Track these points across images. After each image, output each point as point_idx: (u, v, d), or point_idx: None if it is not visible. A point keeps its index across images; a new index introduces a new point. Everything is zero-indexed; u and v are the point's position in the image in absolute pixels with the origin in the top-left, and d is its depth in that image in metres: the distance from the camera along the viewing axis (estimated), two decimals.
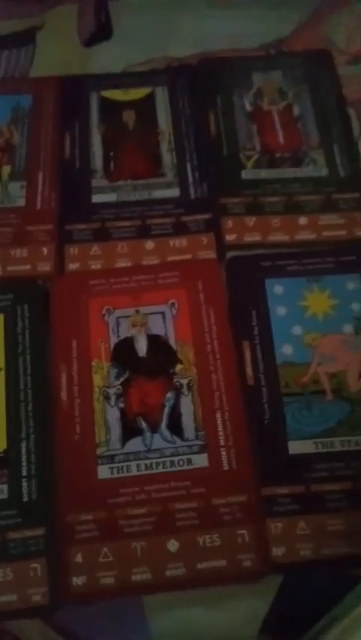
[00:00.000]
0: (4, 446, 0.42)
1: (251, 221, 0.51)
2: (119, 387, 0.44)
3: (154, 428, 0.42)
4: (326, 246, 0.50)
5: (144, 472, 0.41)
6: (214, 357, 0.45)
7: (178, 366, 0.44)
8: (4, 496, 0.40)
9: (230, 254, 0.50)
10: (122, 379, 0.44)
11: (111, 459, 0.41)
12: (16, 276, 0.48)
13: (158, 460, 0.41)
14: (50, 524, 0.39)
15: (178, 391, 0.44)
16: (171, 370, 0.44)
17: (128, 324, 0.46)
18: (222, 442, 0.42)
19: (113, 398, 0.43)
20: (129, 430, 0.42)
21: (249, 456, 0.42)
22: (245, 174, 0.53)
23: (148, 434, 0.42)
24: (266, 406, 0.43)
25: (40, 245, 0.50)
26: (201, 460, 0.41)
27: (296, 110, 0.58)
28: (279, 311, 0.47)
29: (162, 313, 0.46)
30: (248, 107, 0.58)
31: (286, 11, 0.64)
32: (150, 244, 0.50)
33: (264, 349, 0.45)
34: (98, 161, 0.54)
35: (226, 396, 0.43)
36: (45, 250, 0.49)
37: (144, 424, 0.43)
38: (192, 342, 0.45)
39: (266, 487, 0.41)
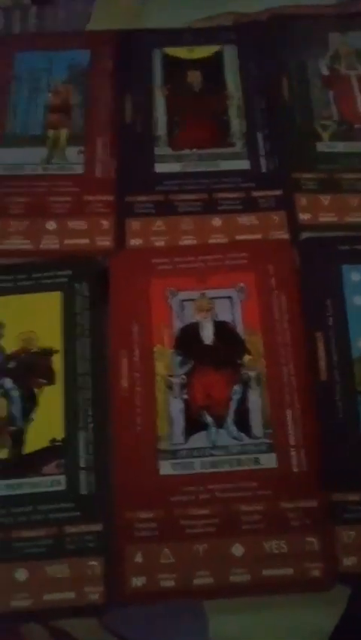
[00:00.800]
0: (62, 435, 0.37)
1: (327, 199, 0.44)
2: (183, 376, 0.39)
3: (220, 423, 0.38)
4: None
5: (208, 470, 0.37)
6: (285, 348, 0.39)
7: (246, 357, 0.39)
8: (62, 487, 0.36)
9: (304, 235, 0.44)
10: (186, 368, 0.39)
11: (174, 454, 0.37)
12: (74, 250, 0.43)
13: (223, 457, 0.37)
14: (108, 520, 0.36)
15: (246, 385, 0.39)
16: (239, 361, 0.39)
17: (193, 309, 0.41)
18: (291, 442, 0.37)
19: (176, 388, 0.39)
20: (193, 424, 0.38)
21: (320, 458, 0.37)
22: (320, 147, 0.46)
23: (213, 429, 0.38)
24: (340, 403, 0.38)
25: (99, 217, 0.44)
26: (269, 460, 0.37)
27: None
28: (356, 300, 0.41)
29: (230, 298, 0.41)
30: (324, 71, 0.50)
31: None
32: (217, 221, 0.44)
33: (339, 342, 0.40)
34: (161, 127, 0.48)
35: (296, 392, 0.38)
36: (105, 223, 0.44)
37: (209, 419, 0.38)
38: (261, 332, 0.40)
39: (337, 492, 0.36)
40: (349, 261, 0.42)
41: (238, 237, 0.43)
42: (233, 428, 0.38)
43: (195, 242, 0.43)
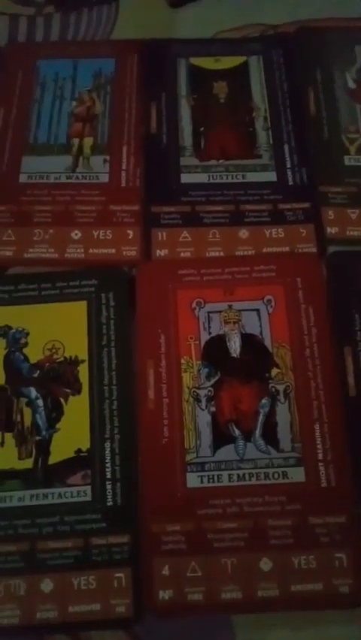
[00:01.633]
0: (88, 445, 0.39)
1: (355, 213, 0.46)
2: (211, 389, 0.41)
3: (247, 436, 0.40)
4: None
5: (236, 483, 0.38)
6: (313, 362, 0.41)
7: (274, 371, 0.41)
8: (88, 498, 0.38)
9: (331, 248, 0.46)
10: (213, 381, 0.41)
11: (201, 466, 0.39)
12: (99, 259, 0.45)
13: (251, 471, 0.39)
14: (135, 532, 0.37)
15: (274, 398, 0.41)
16: (267, 374, 0.41)
17: (220, 320, 0.43)
18: (320, 457, 0.39)
19: (203, 400, 0.41)
20: (221, 437, 0.40)
21: (349, 473, 0.39)
22: (348, 160, 0.49)
23: (241, 442, 0.39)
24: None
25: (125, 227, 0.46)
26: (297, 475, 0.39)
27: None
28: None
29: (257, 310, 0.43)
30: (351, 84, 0.53)
31: None
32: (244, 232, 0.46)
33: None
34: (187, 137, 0.50)
35: (325, 407, 0.40)
36: (130, 233, 0.46)
37: (237, 432, 0.40)
38: (289, 345, 0.42)
39: None
40: None
41: (265, 250, 0.46)
42: (261, 442, 0.40)
43: (221, 253, 0.45)
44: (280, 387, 0.41)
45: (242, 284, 0.44)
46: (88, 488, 0.38)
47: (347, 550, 0.37)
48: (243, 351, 0.42)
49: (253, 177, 0.48)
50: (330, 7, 0.57)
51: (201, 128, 0.51)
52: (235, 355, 0.42)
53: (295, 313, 0.43)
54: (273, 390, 0.41)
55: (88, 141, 0.51)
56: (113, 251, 0.46)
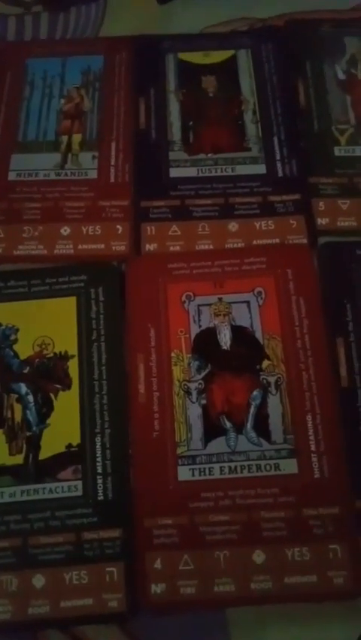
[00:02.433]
0: (78, 440, 0.40)
1: (345, 204, 0.48)
2: (201, 381, 0.42)
3: (239, 429, 0.40)
4: None
5: (227, 476, 0.39)
6: (305, 353, 0.42)
7: (265, 362, 0.42)
8: (79, 493, 0.39)
9: (322, 240, 0.47)
10: (204, 373, 0.42)
11: (192, 459, 0.40)
12: (88, 255, 0.46)
13: (243, 463, 0.39)
14: (126, 526, 0.38)
15: (265, 390, 0.41)
16: (258, 366, 0.42)
17: (210, 313, 0.44)
18: (313, 448, 0.40)
19: (194, 393, 0.41)
20: (212, 429, 0.40)
21: (342, 464, 0.39)
22: (338, 151, 0.50)
23: (233, 435, 0.40)
24: None
25: (114, 222, 0.47)
26: (290, 466, 0.39)
27: None
28: None
29: (248, 302, 0.44)
30: (341, 76, 0.54)
31: None
32: (233, 225, 0.47)
33: (360, 347, 0.43)
34: (176, 132, 0.51)
35: (317, 398, 0.41)
36: (120, 228, 0.47)
37: (228, 424, 0.41)
38: (280, 336, 0.43)
39: None
40: None
41: (255, 242, 0.46)
42: (252, 434, 0.40)
43: (211, 247, 0.46)
44: (272, 379, 0.42)
45: (232, 276, 0.45)
46: (79, 483, 0.39)
47: (341, 541, 0.38)
48: (233, 343, 0.43)
49: (242, 170, 0.49)
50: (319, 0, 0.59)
51: (190, 123, 0.52)
52: (225, 348, 0.43)
53: (286, 305, 0.44)
54: (264, 381, 0.42)
55: (77, 138, 0.52)
56: (103, 246, 0.47)
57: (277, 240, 0.46)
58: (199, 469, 0.40)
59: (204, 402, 0.41)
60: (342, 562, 0.37)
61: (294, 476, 0.39)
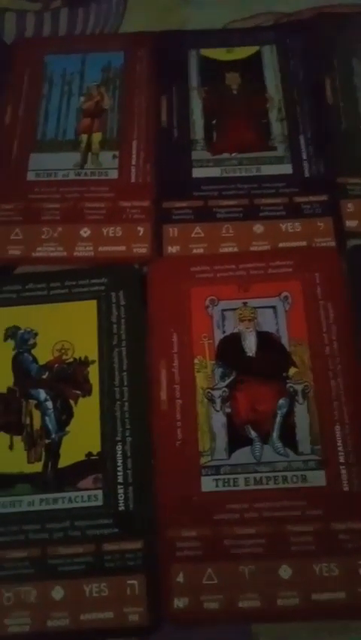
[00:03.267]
0: (98, 448, 0.40)
1: None
2: (225, 389, 0.41)
3: (265, 438, 0.40)
4: None
5: (253, 487, 0.39)
6: (333, 360, 0.42)
7: (292, 370, 0.42)
8: (99, 502, 0.39)
9: (351, 242, 0.46)
10: (228, 381, 0.42)
11: (217, 470, 0.39)
12: (109, 257, 0.46)
13: (269, 474, 0.39)
14: (148, 538, 0.38)
15: (292, 398, 0.41)
16: (284, 374, 0.42)
17: (235, 319, 0.43)
18: (341, 459, 0.39)
19: (218, 401, 0.41)
20: (237, 439, 0.40)
21: None
22: None
23: (258, 445, 0.40)
24: None
25: (135, 224, 0.47)
26: (317, 478, 0.39)
27: None
28: None
29: (274, 307, 0.44)
30: None
31: None
32: (258, 227, 0.47)
33: None
34: (198, 131, 0.51)
35: (346, 407, 0.40)
36: (141, 230, 0.47)
37: (253, 433, 0.40)
38: (307, 343, 0.42)
39: None
40: None
41: (281, 245, 0.46)
42: (279, 444, 0.40)
43: (235, 249, 0.46)
44: (299, 387, 0.41)
45: (257, 280, 0.45)
46: (99, 492, 0.39)
47: None
48: (259, 349, 0.43)
49: (267, 170, 0.49)
50: None
51: (213, 121, 0.52)
52: (250, 354, 0.43)
53: (313, 310, 0.43)
54: (291, 390, 0.41)
55: (97, 137, 0.52)
56: (124, 248, 0.47)
57: (304, 243, 0.46)
58: (223, 479, 0.39)
59: (228, 410, 0.41)
60: None
61: (322, 489, 0.39)
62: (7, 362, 0.43)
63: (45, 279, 0.46)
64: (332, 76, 0.53)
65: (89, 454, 0.40)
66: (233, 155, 0.50)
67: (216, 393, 0.41)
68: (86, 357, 0.43)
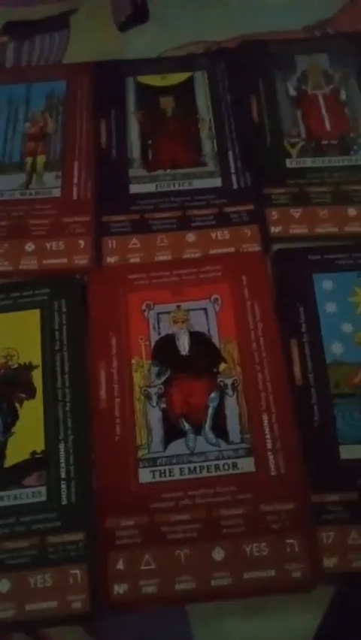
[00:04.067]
0: (42, 447, 0.41)
1: (297, 212, 0.49)
2: (161, 386, 0.43)
3: (198, 430, 0.41)
4: None
5: (187, 477, 0.40)
6: (260, 355, 0.43)
7: (222, 365, 0.43)
8: (43, 498, 0.39)
9: (276, 247, 0.48)
10: (163, 378, 0.43)
11: (153, 462, 0.40)
12: (52, 269, 0.47)
13: (202, 463, 0.40)
14: (89, 529, 0.39)
15: (222, 392, 0.42)
16: (215, 369, 0.43)
17: (169, 321, 0.45)
18: (269, 446, 0.41)
19: (154, 398, 0.42)
20: (172, 432, 0.41)
21: (298, 461, 0.40)
22: (290, 163, 0.52)
23: (192, 436, 0.41)
24: (315, 407, 0.42)
25: (76, 237, 0.49)
26: (247, 465, 0.40)
27: (343, 95, 0.56)
28: (328, 307, 0.45)
29: (205, 309, 0.45)
30: (292, 92, 0.56)
31: None
32: (191, 236, 0.48)
33: (312, 348, 0.44)
34: (135, 150, 0.53)
35: (273, 397, 0.42)
36: (82, 243, 0.48)
37: (187, 426, 0.41)
38: (236, 340, 0.44)
39: (316, 494, 0.39)
40: (320, 270, 0.46)
41: (212, 252, 0.48)
42: (211, 434, 0.41)
43: (169, 257, 0.48)
44: (228, 381, 0.43)
45: (190, 285, 0.46)
46: (43, 489, 0.40)
47: (298, 535, 0.38)
48: (191, 348, 0.44)
49: (199, 184, 0.51)
50: (271, 21, 0.60)
51: (149, 141, 0.54)
52: (184, 353, 0.44)
53: (241, 310, 0.45)
54: (221, 384, 0.42)
55: (41, 159, 0.53)
56: (66, 260, 0.48)
57: (233, 249, 0.48)
58: (160, 470, 0.40)
59: (164, 406, 0.42)
60: (299, 555, 0.38)
61: (251, 474, 0.40)
62: None
63: None
64: (257, 96, 0.55)
65: (34, 453, 0.41)
66: (167, 171, 0.52)
67: (153, 391, 0.43)
68: (30, 363, 0.44)
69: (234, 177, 0.51)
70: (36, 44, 0.61)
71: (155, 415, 0.42)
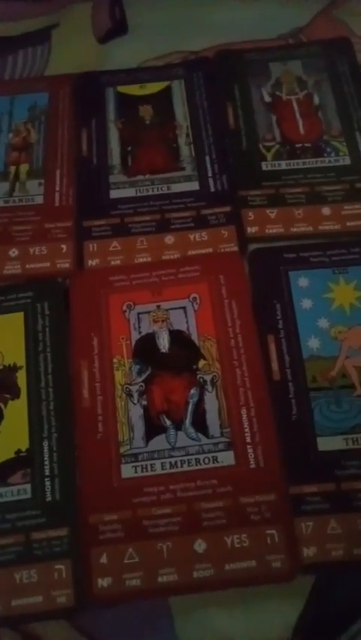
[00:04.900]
0: (27, 445, 0.40)
1: (273, 213, 0.49)
2: (142, 384, 0.42)
3: (178, 425, 0.41)
4: (351, 237, 0.48)
5: (168, 471, 0.40)
6: (238, 352, 0.43)
7: (201, 362, 0.43)
8: (28, 495, 0.39)
9: (252, 246, 0.48)
10: (144, 376, 0.43)
11: (135, 457, 0.40)
12: (35, 273, 0.47)
13: (183, 458, 0.40)
14: (73, 524, 0.38)
15: (202, 388, 0.42)
16: (194, 366, 0.43)
17: (149, 320, 0.45)
18: (248, 440, 0.40)
19: (135, 395, 0.42)
20: (153, 428, 0.41)
21: (276, 453, 0.40)
22: (265, 166, 0.52)
23: (172, 432, 0.41)
24: (293, 401, 0.42)
25: (59, 242, 0.49)
26: (227, 458, 0.40)
27: (316, 100, 0.56)
28: (304, 304, 0.45)
29: (184, 308, 0.45)
30: (267, 98, 0.56)
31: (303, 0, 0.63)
32: (170, 238, 0.48)
33: (289, 343, 0.44)
34: (115, 157, 0.53)
35: (251, 392, 0.42)
36: (64, 247, 0.48)
37: (167, 422, 0.41)
38: (215, 337, 0.44)
39: (295, 485, 0.39)
40: (295, 268, 0.46)
41: (190, 252, 0.48)
42: (191, 430, 0.41)
43: (149, 259, 0.48)
44: (208, 377, 0.42)
45: (169, 285, 0.46)
46: (28, 486, 0.39)
47: (277, 526, 0.38)
48: (171, 346, 0.44)
49: (177, 188, 0.51)
50: (246, 31, 0.61)
51: (129, 148, 0.53)
52: (164, 351, 0.44)
53: (219, 308, 0.45)
54: (201, 380, 0.42)
55: (24, 167, 0.53)
56: (48, 264, 0.48)
57: (210, 250, 0.48)
58: (141, 465, 0.40)
59: (145, 403, 0.42)
60: (279, 546, 0.38)
61: (231, 467, 0.40)
62: None
63: None
64: (233, 103, 0.55)
65: (19, 451, 0.40)
66: (147, 176, 0.52)
67: (134, 388, 0.42)
68: (14, 364, 0.43)
69: (211, 181, 0.51)
70: (19, 58, 0.62)
71: (136, 412, 0.42)
